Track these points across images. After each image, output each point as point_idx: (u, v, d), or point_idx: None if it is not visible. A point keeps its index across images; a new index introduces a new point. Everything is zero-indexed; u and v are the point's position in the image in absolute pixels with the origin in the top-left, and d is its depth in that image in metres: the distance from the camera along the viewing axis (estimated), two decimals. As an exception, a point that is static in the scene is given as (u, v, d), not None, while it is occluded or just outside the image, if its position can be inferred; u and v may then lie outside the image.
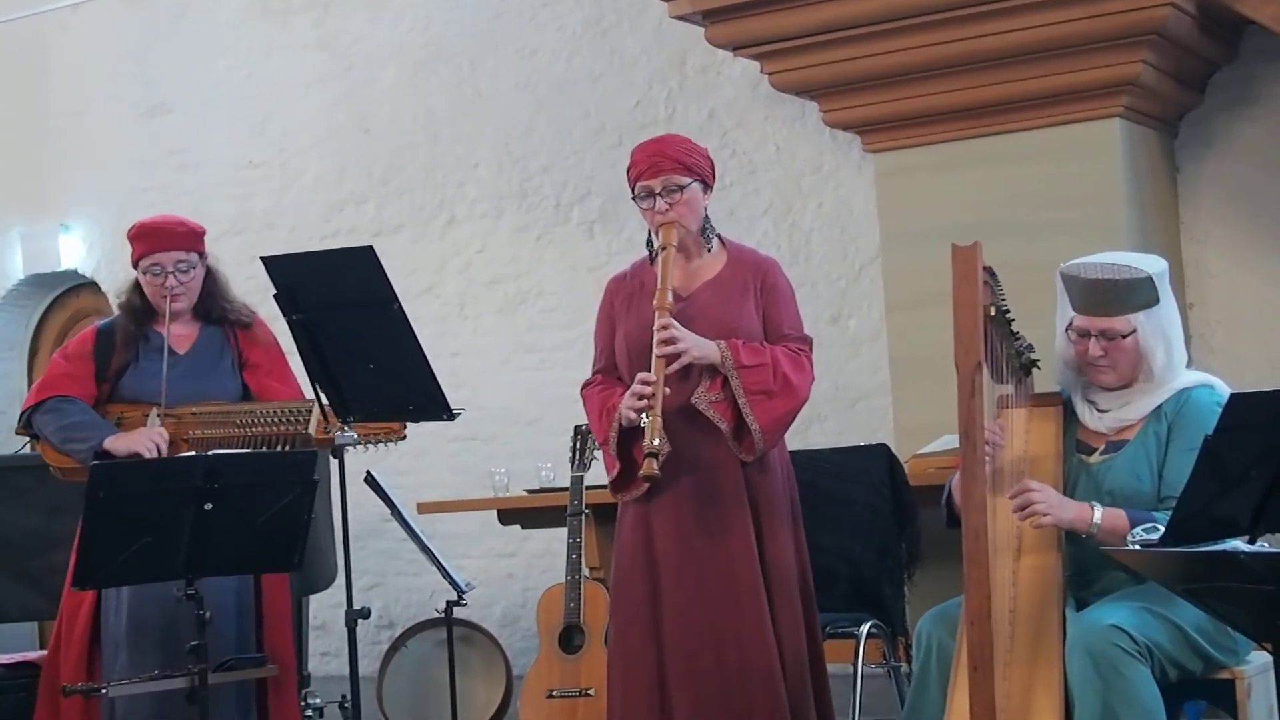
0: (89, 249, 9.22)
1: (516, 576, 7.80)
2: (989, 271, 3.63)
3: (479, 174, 8.19)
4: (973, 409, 3.49)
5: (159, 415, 4.53)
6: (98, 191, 9.17)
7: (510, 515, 6.63)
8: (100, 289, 9.20)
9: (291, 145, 8.62)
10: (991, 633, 3.45)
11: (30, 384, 9.45)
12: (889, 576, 4.74)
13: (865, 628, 4.61)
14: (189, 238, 4.66)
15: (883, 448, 4.97)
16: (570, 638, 5.39)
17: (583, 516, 5.52)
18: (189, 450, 4.47)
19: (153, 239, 4.63)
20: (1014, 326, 3.76)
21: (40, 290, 9.58)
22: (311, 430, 4.44)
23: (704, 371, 3.96)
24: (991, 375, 3.68)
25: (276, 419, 4.53)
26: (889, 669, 4.82)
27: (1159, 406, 3.80)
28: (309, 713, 6.43)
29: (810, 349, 4.10)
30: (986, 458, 3.55)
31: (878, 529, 4.77)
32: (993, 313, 3.64)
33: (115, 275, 8.97)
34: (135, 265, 4.67)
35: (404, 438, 4.53)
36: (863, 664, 4.59)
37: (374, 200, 8.42)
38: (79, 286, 9.48)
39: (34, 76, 9.43)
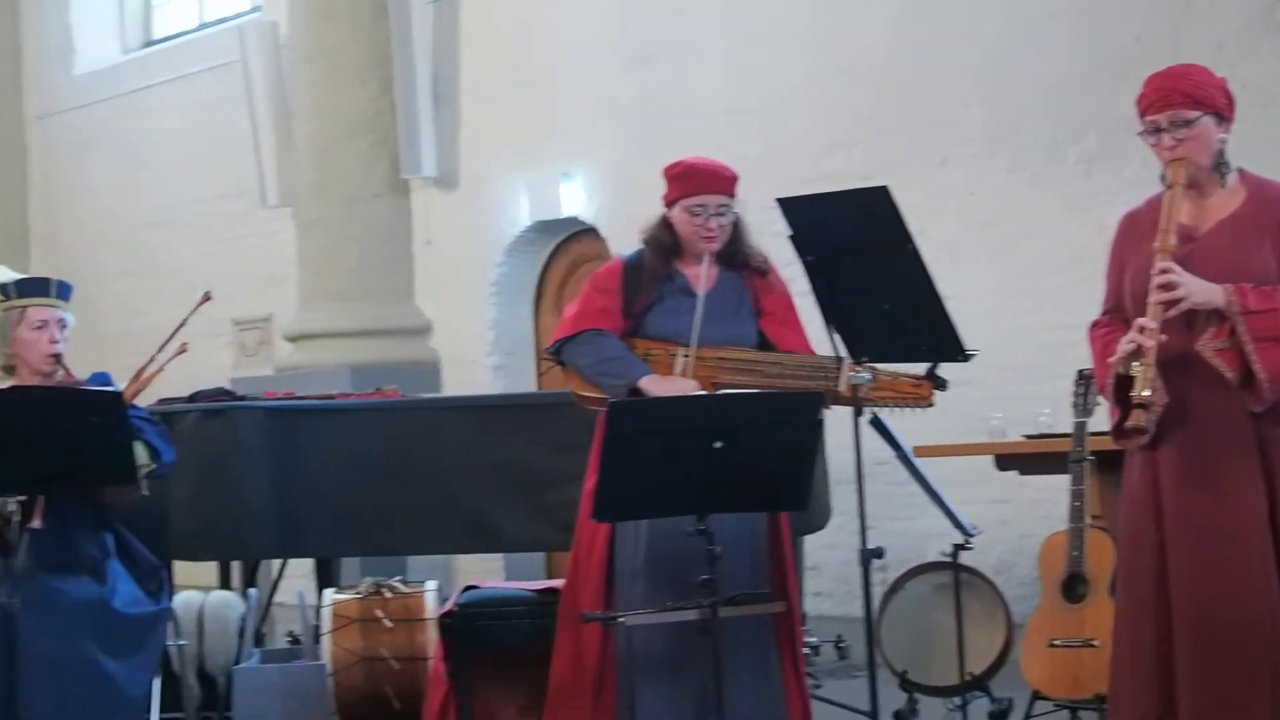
0: (589, 196, 9.57)
1: (1011, 523, 7.67)
2: None
3: (970, 114, 8.06)
4: None
5: (685, 356, 4.63)
6: (595, 140, 9.50)
7: (1008, 460, 6.54)
8: (599, 235, 9.54)
9: (780, 88, 8.69)
10: None
11: (536, 327, 10.01)
12: None
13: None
14: (730, 182, 4.71)
15: None
16: (1073, 587, 5.27)
17: (1086, 463, 5.38)
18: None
19: (698, 180, 4.68)
20: None
21: (544, 237, 10.00)
22: (841, 388, 4.45)
23: (1211, 317, 3.80)
24: None
25: (805, 372, 4.55)
26: None
27: None
28: (804, 651, 6.54)
29: None
30: None
31: None
32: None
33: (614, 221, 9.30)
34: (670, 203, 4.73)
35: (932, 404, 4.49)
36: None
37: (863, 144, 8.41)
38: (579, 233, 9.85)
39: (537, 31, 9.83)
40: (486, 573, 8.91)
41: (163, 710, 5.05)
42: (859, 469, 4.28)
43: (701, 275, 4.63)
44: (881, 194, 4.11)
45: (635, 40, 9.32)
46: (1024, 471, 6.70)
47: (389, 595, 5.75)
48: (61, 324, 4.87)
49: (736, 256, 4.76)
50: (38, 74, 13.43)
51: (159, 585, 4.91)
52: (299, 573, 7.34)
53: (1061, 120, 7.74)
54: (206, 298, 5.04)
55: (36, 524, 4.54)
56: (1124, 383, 3.83)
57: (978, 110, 8.02)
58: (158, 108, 12.33)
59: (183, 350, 4.88)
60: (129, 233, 12.53)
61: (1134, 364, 3.71)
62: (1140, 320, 3.73)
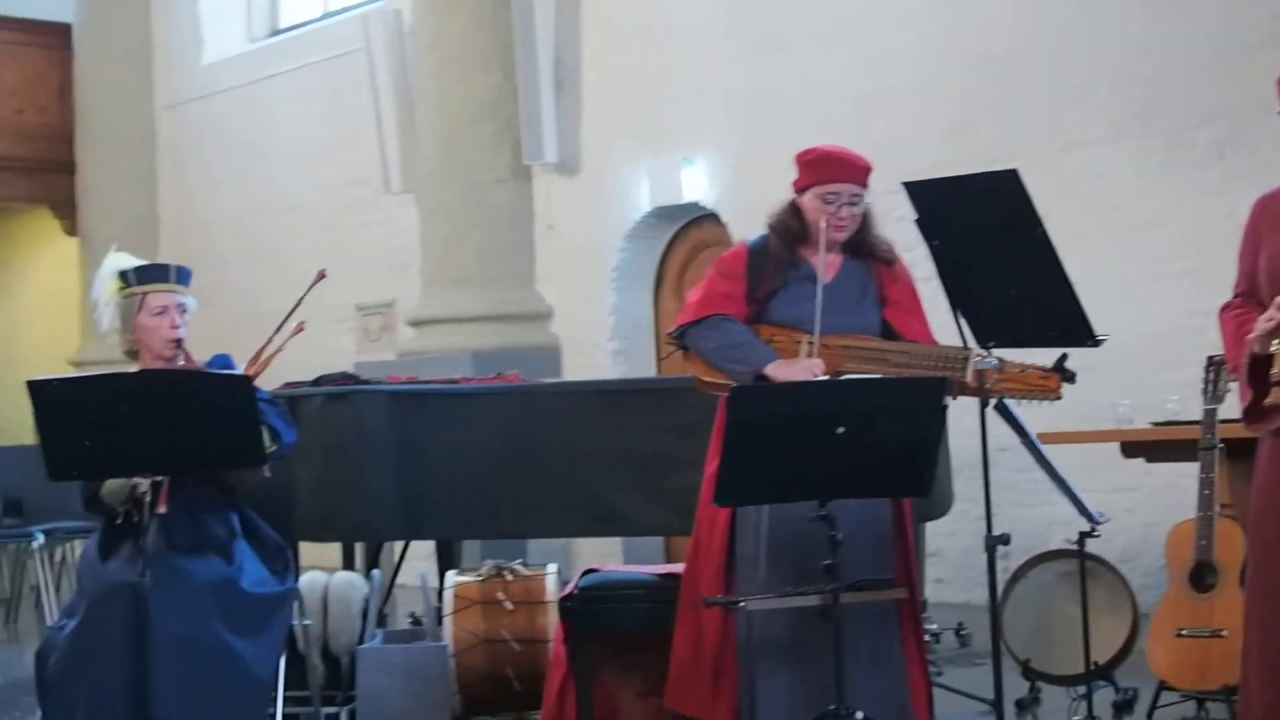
0: (710, 182, 9.55)
1: (1137, 511, 7.57)
2: None
3: (1097, 97, 7.95)
4: None
5: (809, 344, 4.61)
6: (716, 126, 9.49)
7: (1134, 448, 6.43)
8: (720, 220, 9.52)
9: (904, 72, 8.63)
10: None
11: (656, 313, 10.02)
12: None
13: None
14: (864, 173, 4.67)
15: None
16: (1201, 576, 5.19)
17: (1215, 450, 5.28)
18: None
19: (833, 168, 4.65)
20: None
21: (665, 222, 10.01)
22: (967, 378, 4.40)
23: (1347, 299, 3.71)
24: None
25: (931, 362, 4.50)
26: None
27: None
28: (925, 638, 6.48)
29: None
30: None
31: None
32: None
33: (735, 207, 9.29)
34: (801, 189, 4.70)
35: (1060, 397, 4.43)
36: None
37: (988, 127, 8.32)
38: (700, 218, 9.84)
39: (658, 16, 9.83)
40: (605, 556, 8.94)
41: (287, 689, 5.11)
42: (985, 455, 4.22)
43: (820, 263, 4.59)
44: (1010, 177, 4.04)
45: (758, 25, 9.28)
46: (1150, 459, 6.60)
47: (510, 578, 5.78)
48: (181, 309, 4.89)
49: (863, 246, 4.72)
50: (167, 64, 13.68)
51: (285, 565, 4.96)
52: (419, 555, 7.41)
53: (1192, 103, 7.60)
54: (321, 275, 5.04)
55: (162, 509, 4.61)
56: (1259, 363, 3.75)
57: (1105, 93, 7.91)
58: (283, 96, 12.50)
59: (299, 330, 4.88)
60: (255, 220, 12.72)
61: (1273, 342, 3.63)
62: (1279, 299, 3.65)
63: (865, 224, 4.71)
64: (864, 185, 4.67)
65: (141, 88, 13.70)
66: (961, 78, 8.42)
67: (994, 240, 4.10)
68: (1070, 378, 4.45)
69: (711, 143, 9.52)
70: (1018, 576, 5.81)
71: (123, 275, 4.91)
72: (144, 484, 4.59)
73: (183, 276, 4.95)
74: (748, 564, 4.58)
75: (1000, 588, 5.90)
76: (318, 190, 12.17)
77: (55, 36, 14.05)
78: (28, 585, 9.58)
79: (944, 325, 4.75)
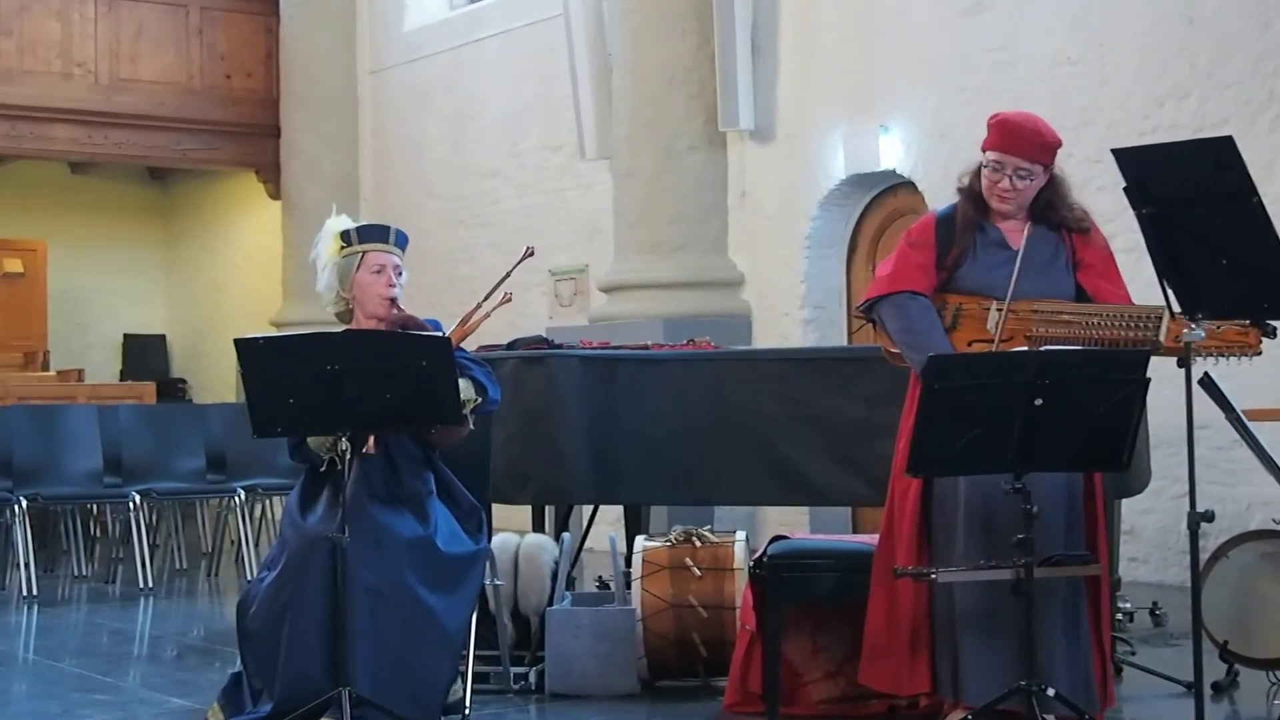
0: (906, 149, 9.43)
1: (1345, 492, 7.33)
2: None
3: (1313, 64, 7.69)
4: None
5: (998, 310, 4.55)
6: (916, 92, 9.35)
7: (1344, 427, 6.22)
8: (917, 188, 9.40)
9: (1111, 39, 8.42)
10: None
11: (848, 281, 9.94)
12: None
13: None
14: (1039, 149, 4.62)
15: None
16: None
17: None
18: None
19: (1005, 137, 4.62)
20: None
21: (860, 190, 9.91)
22: (1161, 338, 4.31)
23: None
24: None
25: (1124, 324, 4.43)
26: None
27: None
28: (1118, 617, 6.36)
29: None
30: None
31: None
32: None
33: (931, 175, 9.16)
34: (984, 152, 4.68)
35: (1259, 353, 4.31)
36: None
37: (1196, 94, 8.08)
38: (896, 186, 9.73)
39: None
40: (792, 525, 8.92)
41: (477, 648, 5.19)
42: (1190, 430, 4.10)
43: (1023, 236, 4.54)
44: (1226, 144, 3.91)
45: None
46: (1362, 439, 6.36)
47: (699, 544, 5.78)
48: (398, 270, 5.02)
49: (1052, 216, 4.66)
50: (370, 30, 13.90)
51: (478, 525, 5.04)
52: (606, 519, 7.46)
53: None
54: (529, 253, 5.16)
55: (370, 450, 4.74)
56: None
57: (1320, 59, 7.64)
58: (483, 62, 12.64)
59: (507, 300, 5.00)
60: (453, 184, 12.89)
61: None
62: None
63: (1054, 197, 4.67)
64: (1035, 160, 4.60)
65: (345, 53, 13.95)
66: (1172, 42, 8.17)
67: (1206, 210, 3.98)
68: (1271, 332, 4.30)
69: (909, 109, 9.40)
70: (1218, 556, 5.66)
71: (344, 235, 5.05)
72: (344, 440, 4.69)
73: (400, 240, 5.09)
74: (945, 536, 4.54)
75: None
76: (515, 155, 12.29)
77: (263, 3, 14.37)
78: (228, 539, 9.85)
79: (1146, 297, 4.63)
